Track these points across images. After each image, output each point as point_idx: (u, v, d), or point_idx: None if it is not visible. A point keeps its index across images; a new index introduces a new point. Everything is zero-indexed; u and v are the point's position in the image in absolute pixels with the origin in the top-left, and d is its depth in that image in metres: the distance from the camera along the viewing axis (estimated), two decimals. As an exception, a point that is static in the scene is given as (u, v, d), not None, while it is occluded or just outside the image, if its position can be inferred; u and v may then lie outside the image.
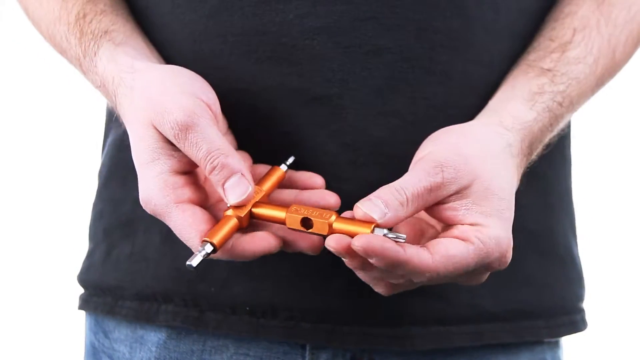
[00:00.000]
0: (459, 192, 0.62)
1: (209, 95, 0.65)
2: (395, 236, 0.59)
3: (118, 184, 0.78)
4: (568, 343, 0.83)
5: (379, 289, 0.64)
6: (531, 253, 0.75)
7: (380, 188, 0.61)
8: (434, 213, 0.63)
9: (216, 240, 0.61)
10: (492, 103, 0.70)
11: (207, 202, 0.65)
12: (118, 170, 0.78)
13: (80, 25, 0.72)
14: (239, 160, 0.62)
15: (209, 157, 0.61)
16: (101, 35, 0.70)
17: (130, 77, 0.67)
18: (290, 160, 0.68)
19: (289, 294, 0.71)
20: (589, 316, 0.81)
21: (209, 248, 0.61)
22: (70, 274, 0.84)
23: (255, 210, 0.64)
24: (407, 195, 0.61)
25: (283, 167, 0.68)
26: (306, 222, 0.62)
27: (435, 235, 0.64)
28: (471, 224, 0.61)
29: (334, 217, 0.61)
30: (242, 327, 0.71)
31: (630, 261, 2.03)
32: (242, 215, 0.63)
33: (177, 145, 0.63)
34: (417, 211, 0.61)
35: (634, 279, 2.03)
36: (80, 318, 0.84)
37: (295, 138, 0.69)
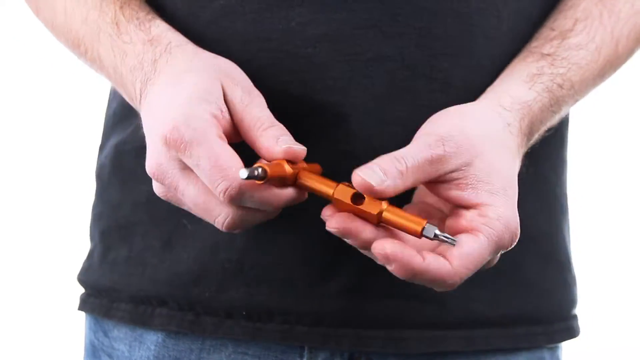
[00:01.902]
0: (461, 169, 0.61)
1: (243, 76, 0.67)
2: (446, 237, 0.59)
3: (118, 187, 0.78)
4: (566, 345, 0.83)
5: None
6: (531, 258, 0.75)
7: (380, 156, 0.61)
8: (440, 192, 0.63)
9: (269, 169, 0.58)
10: (491, 87, 0.70)
11: None
12: (119, 173, 0.78)
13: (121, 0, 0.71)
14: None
15: (271, 117, 0.62)
16: (148, 11, 0.70)
17: (195, 48, 0.67)
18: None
19: (284, 297, 0.71)
20: (584, 319, 0.81)
21: (261, 170, 0.57)
22: (72, 273, 0.85)
23: (303, 176, 0.62)
24: (407, 165, 0.60)
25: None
26: (357, 197, 0.60)
27: (443, 219, 0.64)
28: (477, 205, 0.61)
29: (385, 205, 0.60)
30: (239, 331, 0.72)
31: (623, 263, 2.03)
32: (293, 171, 0.61)
33: (241, 104, 0.62)
34: (416, 183, 0.61)
35: (628, 281, 2.03)
36: (80, 317, 0.84)
37: None
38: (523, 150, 0.68)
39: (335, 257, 0.70)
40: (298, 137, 0.68)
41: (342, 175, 0.65)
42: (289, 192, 0.62)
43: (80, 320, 0.84)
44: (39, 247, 2.04)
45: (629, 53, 0.76)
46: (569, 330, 0.79)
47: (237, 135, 0.63)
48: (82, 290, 0.82)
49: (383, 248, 0.59)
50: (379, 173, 0.60)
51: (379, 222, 0.60)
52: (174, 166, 0.62)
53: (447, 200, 0.63)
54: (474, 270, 0.60)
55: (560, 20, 0.73)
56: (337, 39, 0.68)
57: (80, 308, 0.81)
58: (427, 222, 0.59)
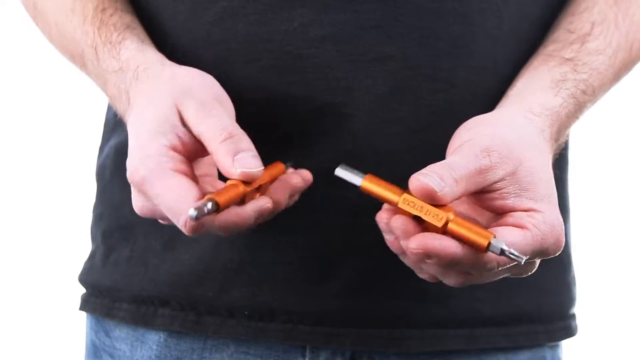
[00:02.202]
0: (505, 179, 0.61)
1: (231, 104, 0.65)
2: (513, 254, 0.57)
3: (119, 187, 0.78)
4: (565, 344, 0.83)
5: (448, 281, 0.63)
6: None
7: (430, 165, 0.60)
8: (484, 203, 0.62)
9: (221, 199, 0.58)
10: (515, 92, 0.69)
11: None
12: (120, 174, 0.78)
13: (100, 17, 0.72)
14: (253, 147, 0.61)
15: (227, 128, 0.61)
16: (124, 29, 0.70)
17: (159, 68, 0.66)
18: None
19: (286, 297, 0.71)
20: (583, 318, 0.81)
21: (211, 205, 0.57)
22: (73, 273, 0.85)
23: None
24: (460, 174, 0.59)
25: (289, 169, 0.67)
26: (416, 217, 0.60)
27: None
28: (524, 210, 0.60)
29: (452, 215, 0.58)
30: (241, 330, 0.72)
31: (622, 262, 2.03)
32: (249, 189, 0.60)
33: (194, 120, 0.61)
34: (467, 193, 0.60)
35: (626, 280, 2.03)
36: (81, 317, 0.84)
37: (299, 146, 0.69)
38: (552, 155, 0.67)
39: (336, 257, 0.70)
40: (301, 137, 0.69)
41: None
42: (255, 206, 0.61)
43: (81, 320, 0.84)
44: (40, 247, 2.03)
45: None
46: (568, 329, 0.79)
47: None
48: (82, 290, 0.82)
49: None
50: (438, 179, 0.59)
51: (443, 232, 0.59)
52: (152, 204, 0.62)
53: (492, 210, 0.62)
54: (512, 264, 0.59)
55: (577, 23, 0.73)
56: (340, 39, 0.68)
57: (82, 308, 0.81)
58: (494, 236, 0.58)
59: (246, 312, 0.72)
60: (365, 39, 0.68)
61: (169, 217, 0.60)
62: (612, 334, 1.97)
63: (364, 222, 0.67)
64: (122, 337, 0.77)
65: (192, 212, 0.56)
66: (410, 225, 0.59)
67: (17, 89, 2.05)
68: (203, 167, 0.66)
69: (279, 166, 0.66)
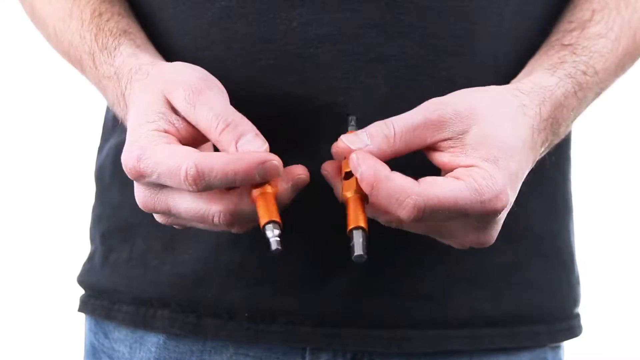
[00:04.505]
0: (458, 138, 0.61)
1: (222, 87, 0.64)
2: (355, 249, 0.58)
3: (118, 188, 0.78)
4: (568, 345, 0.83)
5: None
6: (535, 257, 0.75)
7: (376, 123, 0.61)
8: (433, 158, 0.62)
9: (276, 217, 0.57)
10: (515, 79, 0.69)
11: None
12: (119, 175, 0.78)
13: (96, 23, 0.71)
14: (253, 126, 0.61)
15: (221, 116, 0.60)
16: (120, 34, 0.70)
17: (150, 67, 0.66)
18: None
19: (287, 298, 0.71)
20: (587, 318, 0.81)
21: (276, 230, 0.57)
22: (72, 275, 0.85)
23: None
24: (395, 129, 0.60)
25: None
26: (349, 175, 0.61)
27: None
28: (466, 166, 0.60)
29: (351, 194, 0.60)
30: (241, 333, 0.71)
31: (624, 262, 2.03)
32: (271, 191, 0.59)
33: (186, 109, 0.61)
34: (409, 148, 0.61)
35: (629, 280, 2.03)
36: (80, 318, 0.84)
37: (300, 146, 0.69)
38: (545, 136, 0.66)
39: (337, 257, 0.70)
40: (301, 137, 0.69)
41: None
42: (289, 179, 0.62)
43: (80, 321, 0.84)
44: (39, 248, 2.03)
45: None
46: (572, 329, 0.79)
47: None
48: (81, 291, 0.82)
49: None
50: (364, 138, 0.60)
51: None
52: (154, 192, 0.62)
53: (440, 166, 0.62)
54: (447, 211, 0.58)
55: (578, 13, 0.73)
56: (340, 39, 0.68)
57: (81, 309, 0.81)
58: (361, 228, 0.58)
59: (247, 314, 0.71)
60: (365, 39, 0.68)
61: (171, 182, 0.59)
62: (614, 335, 1.96)
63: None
64: (121, 338, 0.77)
65: (275, 248, 0.56)
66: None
67: (16, 89, 2.05)
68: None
69: None
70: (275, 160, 0.59)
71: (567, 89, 0.67)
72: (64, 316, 1.72)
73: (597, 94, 0.72)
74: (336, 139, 0.68)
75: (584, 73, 0.69)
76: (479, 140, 0.61)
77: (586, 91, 0.69)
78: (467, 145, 0.61)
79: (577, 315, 0.80)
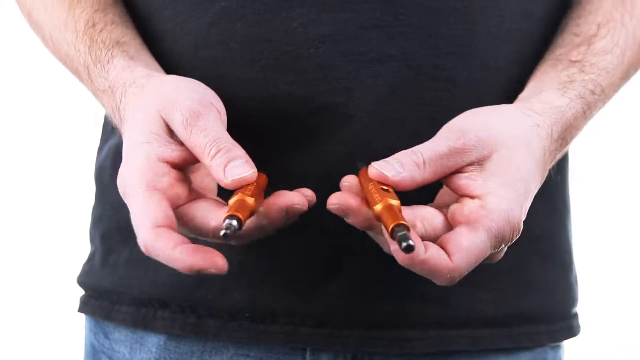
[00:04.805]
0: (480, 163, 0.61)
1: (220, 105, 0.64)
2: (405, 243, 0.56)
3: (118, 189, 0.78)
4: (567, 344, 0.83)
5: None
6: (535, 258, 0.75)
7: (399, 152, 0.61)
8: (451, 182, 0.62)
9: (241, 214, 0.56)
10: (522, 96, 0.69)
11: (179, 201, 0.61)
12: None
13: (90, 34, 0.71)
14: (245, 153, 0.61)
15: (216, 142, 0.60)
16: (113, 45, 0.70)
17: (145, 80, 0.66)
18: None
19: (288, 298, 0.71)
20: (585, 318, 0.81)
21: (235, 222, 0.56)
22: (72, 275, 0.84)
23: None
24: (424, 157, 0.60)
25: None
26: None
27: None
28: (482, 195, 0.60)
29: (394, 202, 0.58)
30: (242, 333, 0.71)
31: (622, 262, 2.03)
32: (253, 200, 0.58)
33: (183, 133, 0.61)
34: (436, 176, 0.61)
35: (628, 280, 2.03)
36: (80, 318, 0.84)
37: (300, 147, 0.69)
38: (554, 156, 0.67)
39: (338, 258, 0.70)
40: (301, 138, 0.68)
41: (345, 174, 0.65)
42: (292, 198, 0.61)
43: (80, 321, 0.84)
44: (38, 249, 2.03)
45: None
46: (571, 329, 0.79)
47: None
48: (81, 291, 0.81)
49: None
50: (396, 165, 0.60)
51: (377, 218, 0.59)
52: None
53: (455, 190, 0.62)
54: (475, 264, 0.60)
55: (583, 26, 0.73)
56: (340, 39, 0.67)
57: (81, 310, 0.81)
58: (397, 225, 0.56)
59: (247, 314, 0.71)
60: (365, 39, 0.68)
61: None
62: (613, 334, 1.96)
63: None
64: (122, 339, 0.77)
65: (224, 232, 0.55)
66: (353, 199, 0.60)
67: (15, 89, 2.05)
68: (203, 179, 0.66)
69: (262, 176, 0.64)
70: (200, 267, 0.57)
71: (577, 110, 0.68)
72: (63, 316, 1.72)
73: (601, 108, 0.73)
74: (336, 139, 0.68)
75: (592, 92, 0.70)
76: (499, 167, 0.61)
77: (593, 110, 0.70)
78: (486, 171, 0.61)
79: (576, 315, 0.80)
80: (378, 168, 0.60)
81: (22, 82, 2.04)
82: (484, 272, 0.72)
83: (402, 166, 0.60)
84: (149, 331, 0.75)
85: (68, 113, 2.01)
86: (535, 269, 0.75)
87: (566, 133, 0.68)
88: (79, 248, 0.89)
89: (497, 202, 0.60)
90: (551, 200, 0.77)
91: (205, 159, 0.60)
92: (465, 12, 0.69)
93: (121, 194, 0.61)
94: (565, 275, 0.79)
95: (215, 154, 0.60)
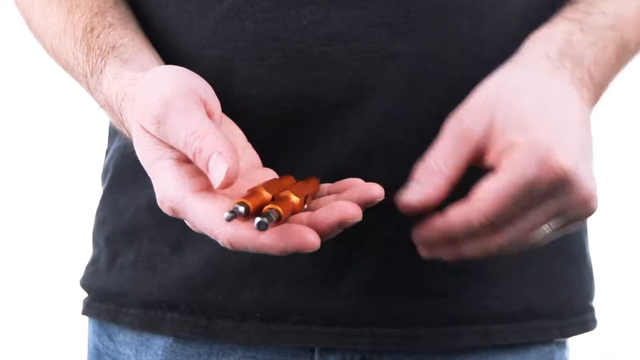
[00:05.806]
0: (489, 131, 0.61)
1: (202, 87, 0.61)
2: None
3: (121, 191, 0.77)
4: (575, 343, 0.83)
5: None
6: (546, 252, 0.75)
7: (416, 176, 0.62)
8: (484, 167, 0.62)
9: (251, 203, 0.55)
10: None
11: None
12: (122, 177, 0.77)
13: (87, 40, 0.70)
14: (218, 138, 0.56)
15: (187, 145, 0.57)
16: (108, 51, 0.69)
17: (132, 89, 0.64)
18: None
19: (299, 297, 0.70)
20: (600, 314, 0.81)
21: (241, 208, 0.54)
22: (75, 277, 0.84)
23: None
24: (437, 163, 0.62)
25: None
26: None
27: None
28: (505, 150, 0.60)
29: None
30: (253, 334, 0.71)
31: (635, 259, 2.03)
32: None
33: (164, 141, 0.59)
34: (459, 169, 0.62)
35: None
36: (84, 320, 0.83)
37: (311, 145, 0.68)
38: (572, 64, 0.66)
39: (348, 255, 0.70)
40: (312, 136, 0.68)
41: (356, 173, 0.65)
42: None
43: (84, 323, 0.83)
44: (41, 250, 2.03)
45: None
46: (583, 323, 0.78)
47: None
48: (82, 294, 0.81)
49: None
50: (432, 190, 0.61)
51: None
52: None
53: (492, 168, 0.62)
54: (501, 206, 0.58)
55: None
56: (350, 37, 0.67)
57: (85, 313, 0.80)
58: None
59: (258, 314, 0.70)
60: (375, 37, 0.67)
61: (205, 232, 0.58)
62: (613, 334, 1.96)
63: (376, 220, 0.67)
64: (127, 341, 0.76)
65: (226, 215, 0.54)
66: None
67: (20, 92, 2.05)
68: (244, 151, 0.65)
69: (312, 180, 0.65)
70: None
71: (565, 27, 0.68)
72: (67, 318, 1.71)
73: (616, 38, 0.71)
74: (347, 138, 0.67)
75: (588, 13, 0.70)
76: (507, 115, 0.61)
77: (596, 30, 0.69)
78: (497, 130, 0.61)
79: (591, 309, 0.79)
80: (410, 196, 0.61)
81: (26, 84, 2.04)
82: (494, 267, 0.72)
83: (438, 189, 0.61)
84: (157, 334, 0.74)
85: (73, 115, 2.01)
86: (545, 263, 0.75)
87: (567, 49, 0.67)
88: (81, 251, 0.88)
89: (517, 146, 0.59)
90: None
91: (193, 160, 0.58)
92: (475, 8, 0.69)
93: (172, 215, 0.59)
94: (578, 269, 0.78)
95: (193, 158, 0.57)
